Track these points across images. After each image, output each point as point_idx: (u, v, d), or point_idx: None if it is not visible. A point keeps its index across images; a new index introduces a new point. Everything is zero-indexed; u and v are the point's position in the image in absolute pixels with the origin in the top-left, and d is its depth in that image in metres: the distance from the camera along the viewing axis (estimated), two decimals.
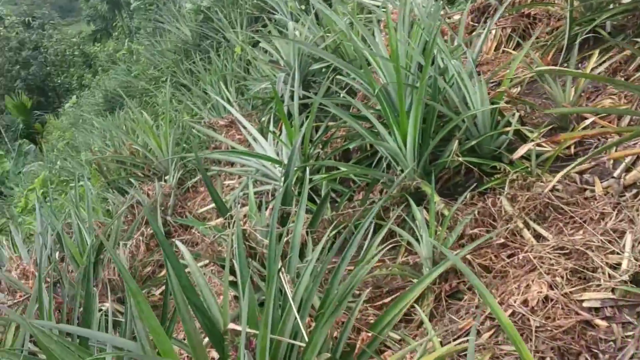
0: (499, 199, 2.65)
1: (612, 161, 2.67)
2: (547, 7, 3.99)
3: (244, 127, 4.06)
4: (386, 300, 2.55)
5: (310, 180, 3.12)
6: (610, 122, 2.90)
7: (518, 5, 4.15)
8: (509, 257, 2.42)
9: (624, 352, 1.88)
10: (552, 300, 2.11)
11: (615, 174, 2.57)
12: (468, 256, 2.43)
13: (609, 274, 2.12)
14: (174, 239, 3.12)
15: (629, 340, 1.91)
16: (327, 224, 2.97)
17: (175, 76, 9.13)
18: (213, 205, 4.19)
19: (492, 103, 2.98)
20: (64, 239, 3.73)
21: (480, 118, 2.92)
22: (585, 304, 2.08)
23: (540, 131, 2.89)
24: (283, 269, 2.07)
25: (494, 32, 4.13)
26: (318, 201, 3.37)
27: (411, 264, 2.66)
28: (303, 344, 1.69)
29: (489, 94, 2.97)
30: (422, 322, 2.36)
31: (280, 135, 3.90)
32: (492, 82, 3.65)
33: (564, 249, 2.29)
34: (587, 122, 2.92)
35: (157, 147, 5.77)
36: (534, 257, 2.30)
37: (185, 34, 9.93)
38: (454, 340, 2.18)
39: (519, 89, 3.55)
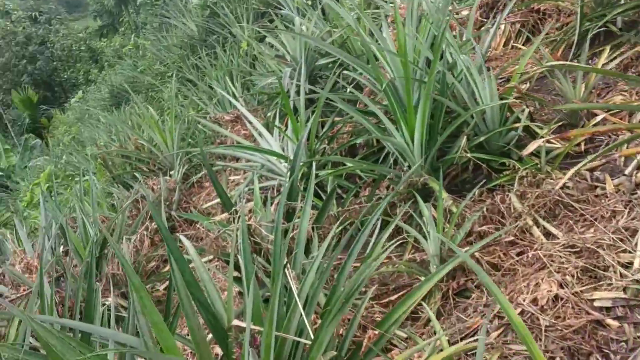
0: (508, 195, 2.61)
1: (623, 158, 2.62)
2: (557, 2, 3.94)
3: (250, 122, 4.02)
4: (392, 298, 2.51)
5: (316, 176, 3.09)
6: (621, 119, 2.85)
7: (527, 1, 4.10)
8: (518, 255, 2.38)
9: (636, 352, 1.84)
10: (562, 299, 2.07)
11: (626, 172, 2.53)
12: (476, 254, 2.39)
13: (621, 273, 2.07)
14: (178, 234, 3.10)
15: None
16: (333, 220, 2.93)
17: (181, 71, 9.11)
18: (218, 200, 4.17)
19: (501, 99, 2.94)
20: (68, 233, 3.71)
21: (489, 114, 2.88)
22: (596, 304, 2.04)
23: (550, 127, 2.85)
24: (288, 265, 2.04)
25: (502, 27, 4.08)
26: (323, 197, 3.34)
27: (418, 261, 2.63)
28: (308, 342, 1.65)
29: (497, 89, 2.92)
30: (429, 320, 2.33)
31: (286, 130, 3.87)
32: (501, 78, 3.60)
33: (574, 247, 2.25)
34: (598, 118, 2.87)
35: (163, 142, 5.76)
36: (544, 255, 2.26)
37: (192, 29, 9.90)
38: (462, 339, 2.15)
39: (527, 85, 3.50)
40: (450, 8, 3.55)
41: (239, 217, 2.38)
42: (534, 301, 2.11)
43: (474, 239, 2.55)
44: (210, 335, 2.12)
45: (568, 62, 3.29)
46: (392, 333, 1.95)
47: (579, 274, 2.14)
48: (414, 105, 2.91)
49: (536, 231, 2.42)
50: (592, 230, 2.32)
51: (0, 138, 19.03)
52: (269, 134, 3.89)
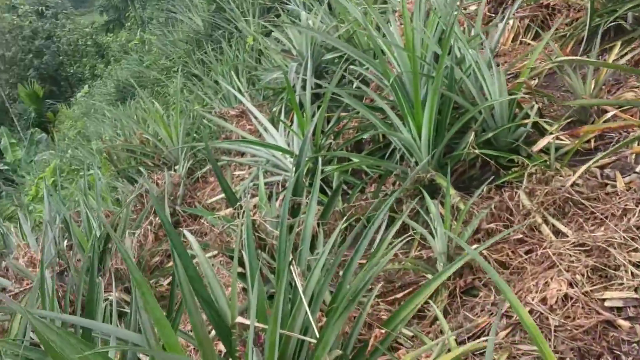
0: (516, 193, 2.57)
1: (634, 156, 2.58)
2: None
3: (255, 117, 3.99)
4: (398, 296, 2.48)
5: (322, 172, 3.05)
6: (632, 115, 2.80)
7: None
8: (526, 253, 2.34)
9: None
10: (571, 298, 2.03)
11: (637, 169, 2.48)
12: (484, 252, 2.35)
13: (632, 272, 2.03)
14: (182, 229, 3.07)
15: None
16: (339, 216, 2.90)
17: (187, 66, 9.09)
18: (222, 195, 4.14)
19: (510, 94, 2.89)
20: (72, 227, 3.69)
21: (497, 109, 2.84)
22: (606, 303, 2.00)
23: (560, 124, 2.80)
24: (294, 262, 2.00)
25: (511, 22, 4.03)
26: (329, 193, 3.30)
27: (424, 259, 2.60)
28: (314, 341, 1.62)
29: (506, 85, 2.88)
30: (435, 319, 2.30)
31: (291, 125, 3.83)
32: (509, 74, 3.55)
33: (584, 246, 2.21)
34: (608, 115, 2.82)
35: (168, 137, 5.74)
36: (553, 254, 2.22)
37: (197, 24, 9.87)
38: (469, 338, 2.11)
39: (536, 81, 3.46)
40: (458, 3, 3.50)
41: (244, 212, 2.35)
42: (543, 300, 2.07)
43: (481, 237, 2.51)
44: (213, 332, 2.10)
45: (578, 57, 3.24)
46: (398, 332, 1.92)
47: (589, 273, 2.10)
48: (421, 101, 2.87)
49: (545, 229, 2.38)
50: (602, 228, 2.28)
51: (7, 132, 19.06)
52: (275, 129, 3.86)
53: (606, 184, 2.49)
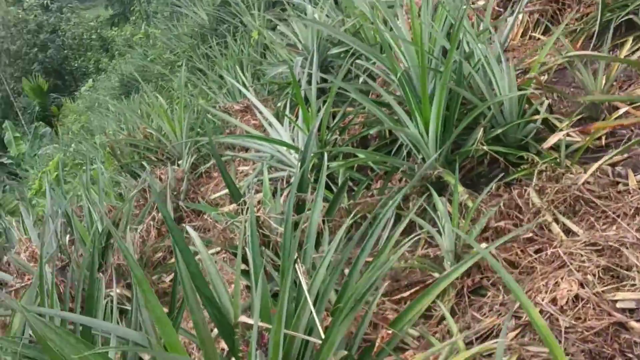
0: (526, 190, 2.51)
1: None
2: None
3: (260, 112, 3.95)
4: (404, 294, 2.43)
5: (327, 168, 3.01)
6: None
7: None
8: (536, 252, 2.29)
9: None
10: (582, 299, 1.98)
11: None
12: (493, 251, 2.30)
13: None
14: (184, 225, 3.03)
15: None
16: (344, 213, 2.85)
17: (191, 60, 9.05)
18: (226, 191, 4.10)
19: (520, 90, 2.84)
20: (74, 221, 3.65)
21: (507, 105, 2.79)
22: (618, 305, 1.95)
23: (571, 120, 2.75)
24: (299, 260, 1.96)
25: (520, 17, 3.97)
26: (333, 189, 3.26)
27: (431, 257, 2.55)
28: (319, 341, 1.58)
29: (516, 80, 2.83)
30: (442, 318, 2.25)
31: (296, 120, 3.79)
32: (518, 69, 3.49)
33: (595, 245, 2.16)
34: (620, 111, 2.76)
35: (171, 131, 5.70)
36: (564, 253, 2.16)
37: (202, 18, 9.83)
38: (477, 339, 2.07)
39: (546, 76, 3.40)
40: None
41: (248, 208, 2.31)
42: (553, 301, 2.02)
43: (490, 235, 2.46)
44: (216, 330, 2.05)
45: (589, 52, 3.18)
46: (404, 332, 1.87)
47: (600, 274, 2.05)
48: (429, 96, 2.82)
49: (555, 228, 2.33)
50: (614, 227, 2.22)
51: (11, 126, 19.07)
52: (279, 124, 3.82)
53: (618, 182, 2.44)
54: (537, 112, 2.83)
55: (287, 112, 4.08)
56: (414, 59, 3.02)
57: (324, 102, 3.83)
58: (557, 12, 3.91)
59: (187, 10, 10.76)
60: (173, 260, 3.92)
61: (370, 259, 2.17)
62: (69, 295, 2.84)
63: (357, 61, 3.82)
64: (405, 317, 1.76)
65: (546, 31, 3.90)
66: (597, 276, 2.04)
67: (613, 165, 2.53)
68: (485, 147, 2.72)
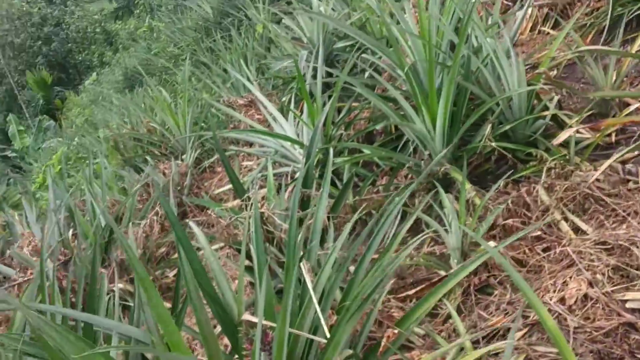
0: (534, 188, 2.47)
1: None
2: None
3: (264, 107, 3.91)
4: (410, 292, 2.40)
5: (333, 163, 2.97)
6: None
7: None
8: (544, 250, 2.25)
9: None
10: (591, 299, 1.95)
11: None
12: (500, 249, 2.27)
13: None
14: (188, 220, 3.01)
15: None
16: (349, 209, 2.82)
17: (195, 54, 9.02)
18: (230, 186, 4.07)
19: (529, 85, 2.79)
20: (76, 215, 3.63)
21: (516, 101, 2.74)
22: (628, 305, 1.91)
23: (581, 116, 2.70)
24: (303, 257, 1.93)
25: (530, 11, 3.92)
26: (338, 185, 3.22)
27: (437, 255, 2.52)
28: (324, 340, 1.54)
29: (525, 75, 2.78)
30: (448, 317, 2.22)
31: (301, 115, 3.75)
32: (527, 64, 3.45)
33: (605, 244, 2.11)
34: (631, 108, 2.72)
35: (175, 126, 5.68)
36: (573, 252, 2.12)
37: (206, 11, 9.79)
38: (484, 338, 2.03)
39: (555, 71, 3.36)
40: None
41: (252, 204, 2.27)
42: (562, 300, 1.99)
43: (497, 233, 2.43)
44: (219, 327, 2.03)
45: (600, 47, 3.13)
46: (410, 331, 1.84)
47: (610, 273, 2.01)
48: (436, 91, 2.78)
49: (564, 226, 2.29)
50: (624, 226, 2.18)
51: (15, 119, 19.07)
52: (284, 118, 3.78)
53: (628, 180, 2.39)
54: (546, 108, 2.78)
55: (291, 106, 4.05)
56: (421, 53, 2.98)
57: (329, 96, 3.80)
58: (567, 6, 3.86)
59: (191, 4, 10.72)
60: (177, 255, 3.89)
61: (376, 256, 2.14)
62: (72, 290, 2.82)
63: (363, 55, 3.79)
64: (412, 316, 1.73)
65: (555, 25, 3.84)
66: (606, 275, 2.00)
67: (623, 162, 2.48)
68: (493, 144, 2.68)
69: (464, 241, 2.33)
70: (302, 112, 3.88)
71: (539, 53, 3.41)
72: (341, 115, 3.76)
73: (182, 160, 5.18)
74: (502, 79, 2.79)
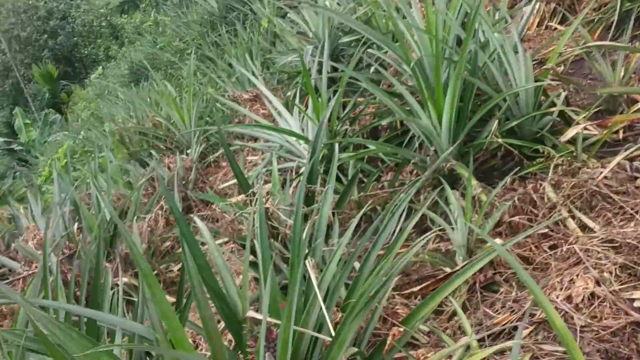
0: (541, 185, 2.45)
1: None
2: None
3: (269, 101, 3.89)
4: (415, 289, 2.39)
5: (337, 159, 2.96)
6: None
7: None
8: (551, 248, 2.23)
9: None
10: (598, 297, 1.93)
11: None
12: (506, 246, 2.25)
13: None
14: (192, 215, 3.00)
15: None
16: (354, 205, 2.81)
17: (201, 48, 9.00)
18: (235, 181, 4.06)
19: (536, 81, 2.77)
20: (81, 209, 3.63)
21: (523, 97, 2.72)
22: (636, 304, 1.89)
23: (589, 112, 2.68)
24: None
25: (537, 6, 3.88)
26: (343, 181, 3.21)
27: (442, 251, 2.50)
28: (329, 338, 1.53)
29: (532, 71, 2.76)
30: (453, 314, 2.20)
31: (306, 110, 3.73)
32: (534, 60, 3.42)
33: (613, 242, 2.10)
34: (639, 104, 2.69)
35: (180, 120, 5.67)
36: (580, 250, 2.11)
37: (212, 5, 9.76)
38: (489, 335, 2.02)
39: (562, 67, 3.33)
40: None
41: (257, 199, 2.26)
42: (568, 299, 1.97)
43: (503, 230, 2.41)
44: (223, 324, 2.02)
45: (609, 43, 3.10)
46: (415, 329, 1.83)
47: (617, 271, 2.00)
48: (442, 86, 2.76)
49: (571, 223, 2.27)
50: (632, 224, 2.16)
51: (21, 112, 19.11)
52: (289, 113, 3.76)
53: (636, 178, 2.37)
54: (553, 104, 2.76)
55: (296, 101, 4.03)
56: (427, 48, 2.96)
57: (335, 91, 3.78)
58: (575, 1, 3.83)
59: None
60: (181, 249, 3.89)
61: (382, 252, 2.12)
62: (77, 284, 2.82)
63: (369, 50, 3.76)
64: (418, 314, 1.72)
65: (562, 21, 3.81)
66: (614, 274, 1.99)
67: (631, 159, 2.46)
68: (499, 140, 2.66)
69: (470, 238, 2.32)
70: (307, 107, 3.86)
71: (546, 49, 3.38)
72: (346, 110, 3.74)
73: (187, 154, 5.17)
74: (509, 74, 2.77)
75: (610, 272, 1.99)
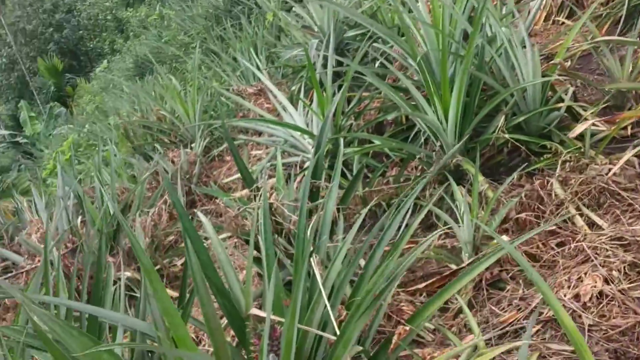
0: (548, 181, 2.42)
1: None
2: None
3: (274, 96, 3.87)
4: (420, 286, 2.36)
5: (342, 154, 2.93)
6: None
7: None
8: (558, 245, 2.20)
9: None
10: (607, 296, 1.90)
11: None
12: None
13: None
14: (195, 210, 2.98)
15: None
16: (359, 201, 2.78)
17: (206, 42, 8.97)
18: (239, 175, 4.04)
19: (544, 76, 2.73)
20: (85, 202, 3.62)
21: (530, 92, 2.68)
22: None
23: (597, 108, 2.64)
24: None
25: (544, 0, 3.84)
26: (348, 176, 3.18)
27: (448, 248, 2.47)
28: (333, 337, 1.51)
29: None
30: (458, 311, 2.18)
31: (311, 104, 3.71)
32: (541, 55, 3.38)
33: (621, 240, 2.07)
34: None
35: (185, 114, 5.65)
36: (588, 247, 2.08)
37: None
38: (496, 335, 1.99)
39: (569, 62, 3.29)
40: None
41: (261, 194, 2.24)
42: (576, 297, 1.94)
43: (510, 226, 2.38)
44: (226, 320, 2.00)
45: (617, 38, 3.05)
46: (421, 327, 1.80)
47: (626, 269, 1.96)
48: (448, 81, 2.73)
49: (579, 220, 2.24)
50: None
51: (26, 105, 19.16)
52: (293, 108, 3.74)
53: None
54: (560, 99, 2.73)
55: (301, 96, 4.00)
56: (433, 42, 2.92)
57: (340, 86, 3.75)
58: None
59: None
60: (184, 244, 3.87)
61: (387, 248, 2.10)
62: (79, 278, 2.81)
63: (374, 44, 3.73)
64: (424, 313, 1.69)
65: (570, 15, 3.77)
66: (622, 272, 1.96)
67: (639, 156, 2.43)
68: (506, 135, 2.62)
69: (476, 235, 2.29)
70: (311, 101, 3.83)
71: (554, 43, 3.34)
72: (351, 105, 3.71)
73: (191, 148, 5.16)
74: (516, 69, 2.73)
75: (619, 270, 1.96)
